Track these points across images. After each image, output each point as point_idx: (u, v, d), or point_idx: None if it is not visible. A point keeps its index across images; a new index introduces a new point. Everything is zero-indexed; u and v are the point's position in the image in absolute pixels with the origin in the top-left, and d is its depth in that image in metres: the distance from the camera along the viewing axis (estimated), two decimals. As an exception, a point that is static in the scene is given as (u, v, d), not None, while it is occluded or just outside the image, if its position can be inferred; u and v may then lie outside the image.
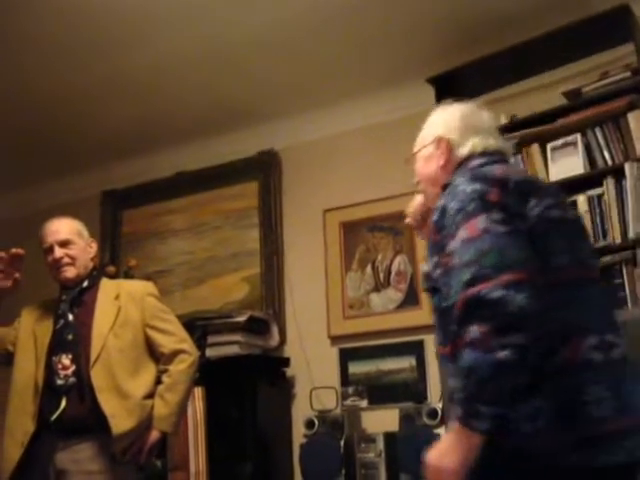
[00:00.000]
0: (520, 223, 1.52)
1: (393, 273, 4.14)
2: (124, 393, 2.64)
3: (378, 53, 3.91)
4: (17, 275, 2.64)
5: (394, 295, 4.10)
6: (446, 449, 1.45)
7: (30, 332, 2.81)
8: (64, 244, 2.79)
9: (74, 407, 2.60)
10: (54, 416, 2.59)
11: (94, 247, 2.92)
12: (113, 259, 4.89)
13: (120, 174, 5.04)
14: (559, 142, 3.35)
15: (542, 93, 3.70)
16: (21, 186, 5.22)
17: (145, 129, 4.57)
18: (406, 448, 3.40)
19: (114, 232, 5.00)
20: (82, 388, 2.61)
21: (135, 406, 2.64)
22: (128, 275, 4.44)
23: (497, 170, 1.64)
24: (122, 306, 2.80)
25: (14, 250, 2.61)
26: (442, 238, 1.59)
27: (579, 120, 3.32)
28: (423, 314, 3.95)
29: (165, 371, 2.78)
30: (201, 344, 3.74)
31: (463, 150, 1.79)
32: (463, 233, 1.51)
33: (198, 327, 3.90)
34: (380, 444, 3.59)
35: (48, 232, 2.83)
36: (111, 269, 4.40)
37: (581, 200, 3.20)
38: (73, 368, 2.64)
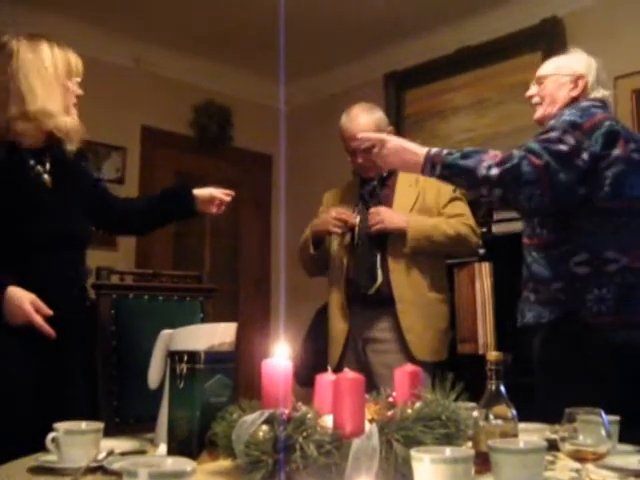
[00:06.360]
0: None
1: (694, 142, 3.80)
2: None
3: None
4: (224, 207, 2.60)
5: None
6: None
7: None
8: (366, 150, 2.81)
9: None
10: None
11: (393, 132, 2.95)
12: (398, 140, 5.04)
13: (401, 55, 5.09)
14: None
15: None
16: (312, 73, 5.47)
17: (423, 6, 4.51)
18: None
19: (398, 113, 5.10)
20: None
21: None
22: (413, 155, 4.56)
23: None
24: (420, 191, 2.91)
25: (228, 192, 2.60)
26: None
27: None
28: None
29: None
30: (487, 220, 3.79)
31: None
32: None
33: (483, 204, 3.92)
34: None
35: (349, 136, 2.89)
36: (396, 150, 4.54)
37: None
38: None
